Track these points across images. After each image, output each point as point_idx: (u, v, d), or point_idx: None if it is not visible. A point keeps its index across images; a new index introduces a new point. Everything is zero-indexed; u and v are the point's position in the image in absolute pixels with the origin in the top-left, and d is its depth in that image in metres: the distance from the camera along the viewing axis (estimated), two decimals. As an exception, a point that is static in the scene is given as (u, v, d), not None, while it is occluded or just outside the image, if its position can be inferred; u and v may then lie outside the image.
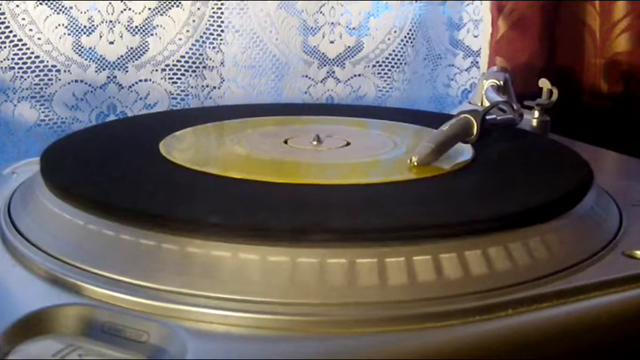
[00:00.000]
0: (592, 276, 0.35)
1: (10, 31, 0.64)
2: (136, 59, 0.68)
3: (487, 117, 0.47)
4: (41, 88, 0.66)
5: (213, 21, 0.70)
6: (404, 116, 0.58)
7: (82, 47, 0.66)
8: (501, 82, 0.60)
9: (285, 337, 0.30)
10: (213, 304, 0.31)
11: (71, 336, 0.30)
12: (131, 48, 0.68)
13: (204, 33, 0.70)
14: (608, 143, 0.60)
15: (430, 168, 0.44)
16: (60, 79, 0.66)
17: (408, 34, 0.78)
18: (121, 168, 0.43)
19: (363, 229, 0.34)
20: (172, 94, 0.70)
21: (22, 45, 0.64)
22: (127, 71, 0.68)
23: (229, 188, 0.40)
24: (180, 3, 0.69)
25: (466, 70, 0.84)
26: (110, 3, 0.66)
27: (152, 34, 0.68)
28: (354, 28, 0.76)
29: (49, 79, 0.66)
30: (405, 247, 0.33)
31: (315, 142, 0.49)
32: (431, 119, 0.53)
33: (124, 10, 0.67)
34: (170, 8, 0.68)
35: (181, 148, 0.48)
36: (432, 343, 0.30)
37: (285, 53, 0.73)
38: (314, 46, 0.75)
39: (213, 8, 0.70)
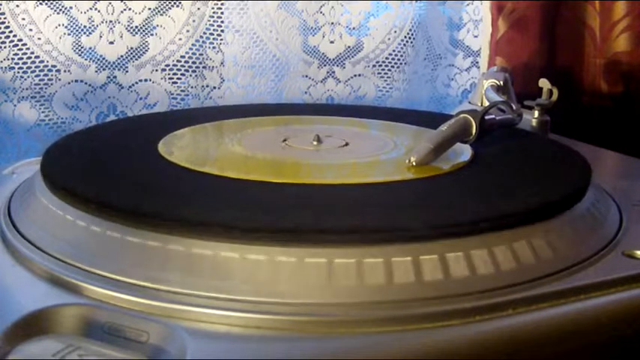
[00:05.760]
0: (592, 276, 0.35)
1: (10, 31, 0.64)
2: (136, 59, 0.68)
3: (486, 117, 0.47)
4: (41, 88, 0.66)
5: (213, 21, 0.70)
6: (404, 116, 0.58)
7: (82, 47, 0.66)
8: (501, 82, 0.60)
9: (285, 337, 0.30)
10: (213, 304, 0.31)
11: (71, 336, 0.30)
12: (131, 48, 0.68)
13: (204, 33, 0.70)
14: (608, 143, 0.60)
15: (429, 168, 0.44)
16: (60, 79, 0.66)
17: (408, 34, 0.78)
18: (121, 168, 0.43)
19: (363, 230, 0.34)
20: (172, 94, 0.70)
21: (22, 45, 0.64)
22: (127, 71, 0.68)
23: (229, 188, 0.40)
24: (180, 3, 0.69)
25: (466, 70, 0.84)
26: (110, 3, 0.66)
27: (152, 34, 0.68)
28: (354, 28, 0.76)
29: (49, 79, 0.66)
30: (403, 247, 0.33)
31: (315, 142, 0.49)
32: (431, 119, 0.53)
33: (124, 10, 0.67)
34: (170, 8, 0.69)
35: (181, 148, 0.48)
36: (432, 343, 0.30)
37: (285, 53, 0.73)
38: (314, 46, 0.75)
39: (213, 8, 0.70)
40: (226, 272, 0.32)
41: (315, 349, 0.29)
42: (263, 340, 0.30)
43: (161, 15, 0.68)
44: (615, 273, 0.35)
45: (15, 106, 0.65)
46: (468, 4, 0.83)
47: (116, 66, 0.68)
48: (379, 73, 0.78)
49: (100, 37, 0.67)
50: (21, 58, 0.64)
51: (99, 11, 0.66)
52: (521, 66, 0.78)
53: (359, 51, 0.77)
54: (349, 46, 0.77)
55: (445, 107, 0.85)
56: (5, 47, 0.64)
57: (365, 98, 0.79)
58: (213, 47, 0.71)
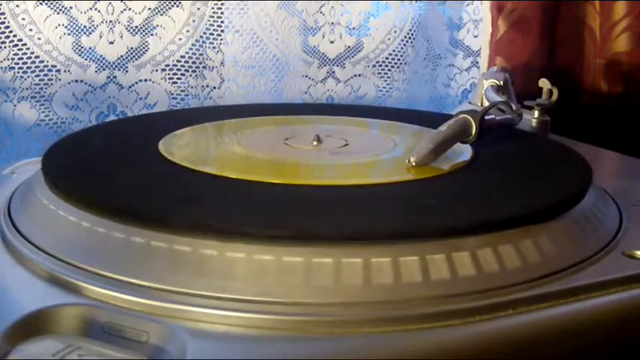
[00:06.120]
0: (592, 276, 0.35)
1: (10, 31, 0.64)
2: (136, 59, 0.68)
3: (486, 117, 0.47)
4: (41, 88, 0.66)
5: (213, 21, 0.70)
6: (404, 116, 0.58)
7: (82, 47, 0.66)
8: (501, 82, 0.60)
9: (285, 337, 0.30)
10: (213, 304, 0.31)
11: (71, 336, 0.30)
12: (131, 48, 0.68)
13: (204, 33, 0.70)
14: (608, 143, 0.60)
15: (429, 168, 0.44)
16: (60, 79, 0.66)
17: (408, 34, 0.78)
18: (121, 168, 0.43)
19: (367, 230, 0.34)
20: (172, 94, 0.70)
21: (22, 45, 0.64)
22: (127, 71, 0.68)
23: (229, 188, 0.40)
24: (180, 3, 0.69)
25: (466, 70, 0.84)
26: (110, 3, 0.66)
27: (152, 34, 0.68)
28: (354, 28, 0.76)
29: (49, 79, 0.66)
30: (403, 247, 0.33)
31: (315, 142, 0.49)
32: (431, 119, 0.53)
33: (124, 10, 0.67)
34: (170, 8, 0.68)
35: (181, 148, 0.48)
36: (432, 343, 0.30)
37: (285, 53, 0.73)
38: (314, 46, 0.75)
39: (213, 8, 0.70)
40: (227, 272, 0.32)
41: (315, 349, 0.29)
42: (263, 340, 0.30)
43: (161, 15, 0.68)
44: (615, 273, 0.35)
45: (15, 106, 0.65)
46: (468, 4, 0.83)
47: (116, 66, 0.68)
48: (379, 73, 0.78)
49: (100, 37, 0.67)
50: (21, 58, 0.64)
51: (99, 11, 0.66)
52: (521, 66, 0.78)
53: (359, 51, 0.77)
54: (349, 46, 0.77)
55: (445, 107, 0.85)
56: (5, 47, 0.64)
57: (365, 98, 0.79)
58: (213, 47, 0.71)
